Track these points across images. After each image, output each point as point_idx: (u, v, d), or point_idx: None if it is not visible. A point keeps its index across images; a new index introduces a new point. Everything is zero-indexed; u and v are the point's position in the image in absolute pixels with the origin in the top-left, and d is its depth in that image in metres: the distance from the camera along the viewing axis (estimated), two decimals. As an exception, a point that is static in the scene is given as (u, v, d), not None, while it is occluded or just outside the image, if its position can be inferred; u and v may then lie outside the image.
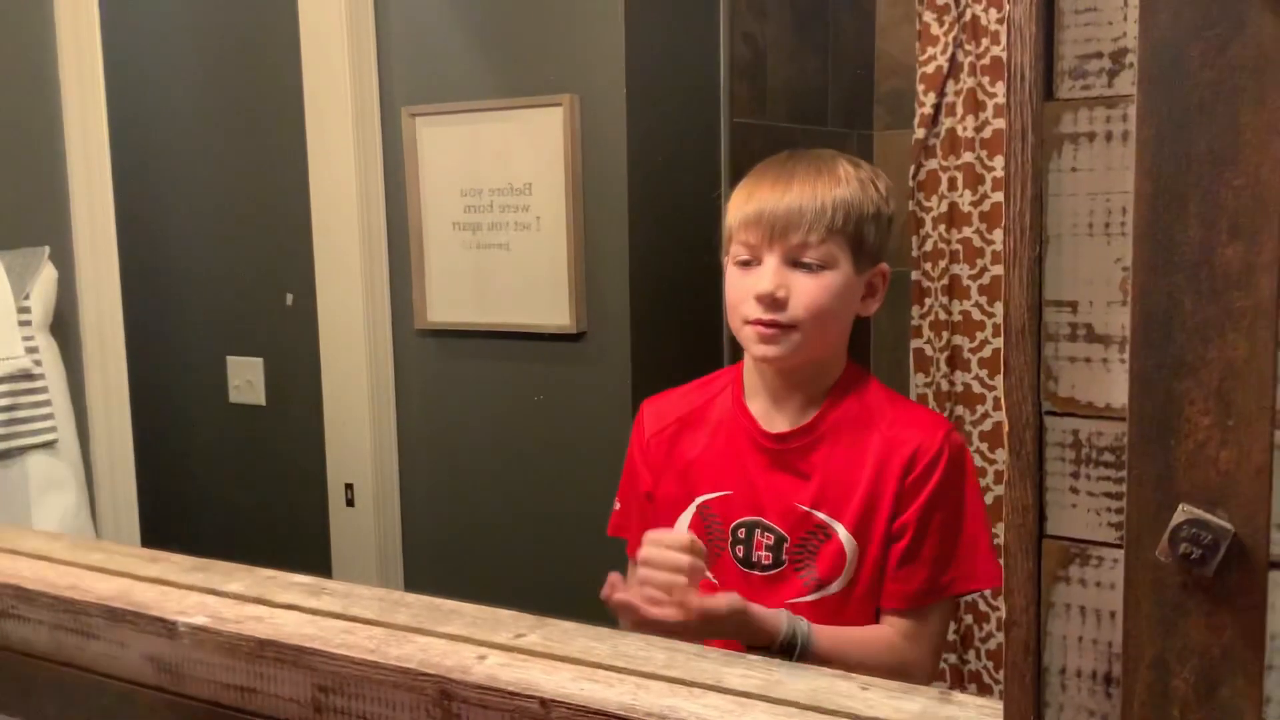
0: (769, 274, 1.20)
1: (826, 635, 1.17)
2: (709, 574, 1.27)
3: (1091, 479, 0.56)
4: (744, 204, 1.24)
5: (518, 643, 0.83)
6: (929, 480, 1.20)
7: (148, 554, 1.12)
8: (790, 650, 1.14)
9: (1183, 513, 0.52)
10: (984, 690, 2.51)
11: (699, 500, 1.28)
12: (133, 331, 2.14)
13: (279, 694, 0.86)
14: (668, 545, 1.14)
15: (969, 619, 2.51)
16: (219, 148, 2.59)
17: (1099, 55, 0.54)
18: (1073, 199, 0.55)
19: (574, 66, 2.13)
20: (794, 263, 1.21)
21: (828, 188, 1.21)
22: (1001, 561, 0.60)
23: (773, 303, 1.20)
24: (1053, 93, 0.55)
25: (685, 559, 1.12)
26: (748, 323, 1.22)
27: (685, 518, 1.30)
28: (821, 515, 1.23)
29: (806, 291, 1.20)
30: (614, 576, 1.16)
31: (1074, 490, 0.57)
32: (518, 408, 2.29)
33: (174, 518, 2.55)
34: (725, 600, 1.13)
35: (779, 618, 1.15)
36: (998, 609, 2.46)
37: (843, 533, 1.22)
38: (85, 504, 1.98)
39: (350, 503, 2.44)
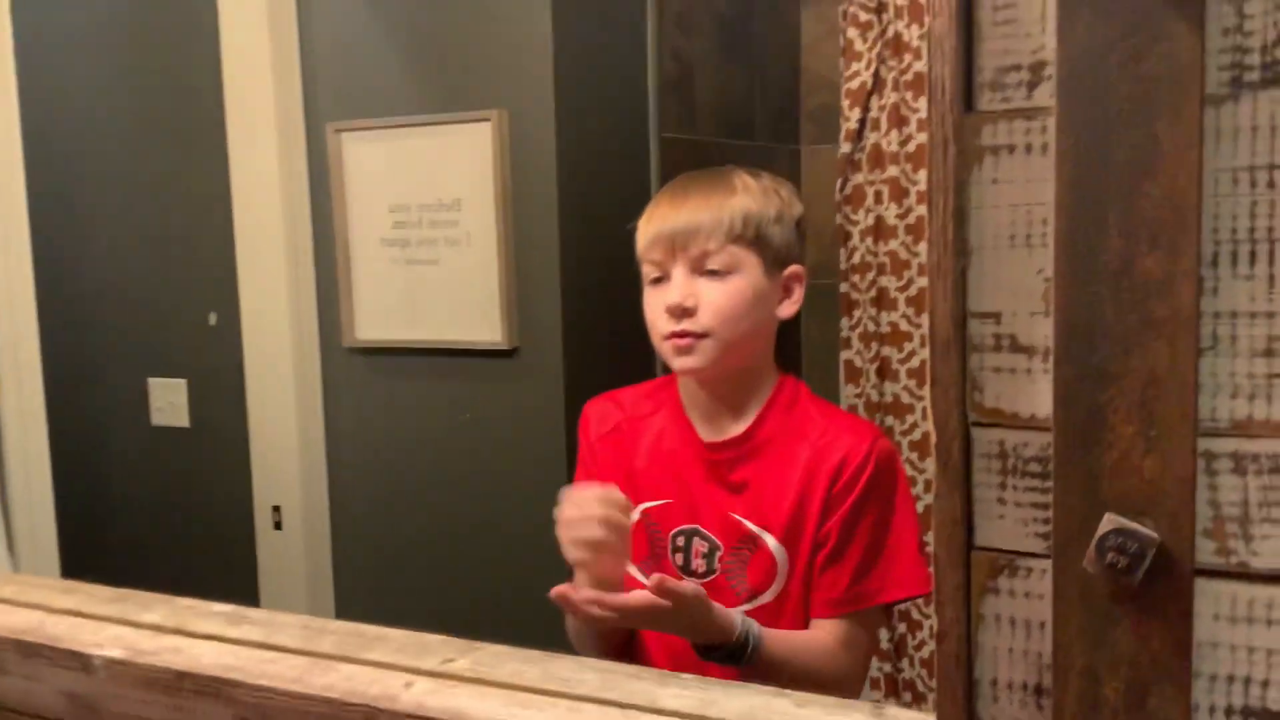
0: (676, 285, 1.22)
1: (774, 639, 1.17)
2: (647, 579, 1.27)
3: (1019, 489, 0.56)
4: (646, 226, 1.26)
5: (446, 668, 0.81)
6: (854, 487, 1.21)
7: (63, 585, 1.09)
8: (742, 651, 1.13)
9: (1109, 522, 0.52)
10: (918, 698, 2.53)
11: (642, 508, 1.28)
12: (50, 354, 2.07)
13: (199, 728, 0.84)
14: (585, 500, 1.15)
15: (902, 627, 2.53)
16: (139, 165, 2.53)
17: (1018, 67, 0.54)
18: (994, 211, 0.55)
19: (502, 82, 2.12)
20: (701, 271, 1.23)
21: (723, 197, 1.24)
22: (932, 572, 0.60)
23: (682, 312, 1.22)
24: (973, 105, 0.55)
25: (600, 510, 1.13)
26: (665, 338, 1.23)
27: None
28: (752, 526, 1.23)
29: (714, 298, 1.22)
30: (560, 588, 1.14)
31: (1001, 501, 0.57)
32: (450, 426, 2.26)
33: (95, 545, 2.48)
34: (691, 587, 1.11)
35: (734, 617, 1.15)
36: (930, 617, 2.48)
37: (772, 543, 1.22)
38: (0, 533, 1.92)
39: (278, 525, 2.39)
